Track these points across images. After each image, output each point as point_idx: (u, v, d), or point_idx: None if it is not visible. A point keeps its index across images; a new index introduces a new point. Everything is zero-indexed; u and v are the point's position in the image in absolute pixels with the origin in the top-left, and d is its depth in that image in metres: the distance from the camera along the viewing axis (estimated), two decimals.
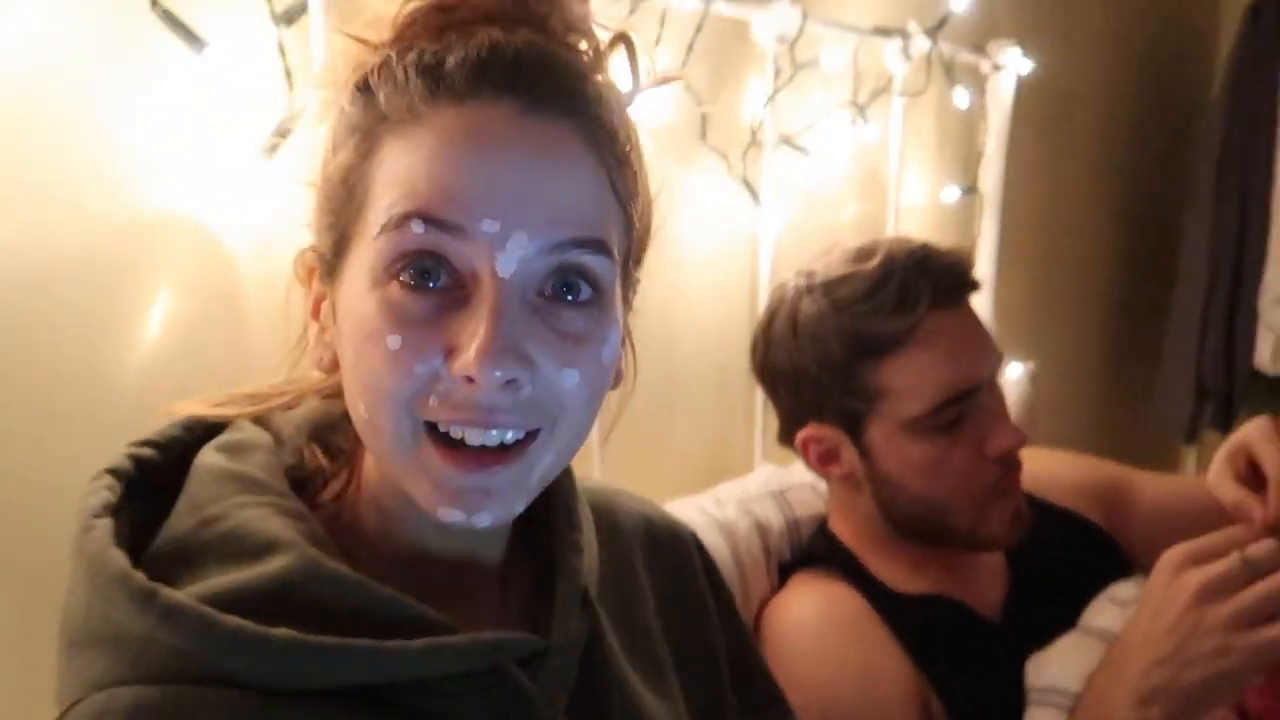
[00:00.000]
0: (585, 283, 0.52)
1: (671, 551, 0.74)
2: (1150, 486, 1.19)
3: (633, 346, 0.62)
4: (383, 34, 0.53)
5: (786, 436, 1.09)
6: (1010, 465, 1.01)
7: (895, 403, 0.98)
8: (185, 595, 0.49)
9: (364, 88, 0.52)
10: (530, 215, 0.49)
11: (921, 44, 1.47)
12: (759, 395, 1.34)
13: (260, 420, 0.61)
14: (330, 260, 0.54)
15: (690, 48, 1.18)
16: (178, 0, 0.82)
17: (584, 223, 0.51)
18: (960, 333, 0.99)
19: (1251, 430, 0.88)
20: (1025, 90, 1.77)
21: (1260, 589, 0.72)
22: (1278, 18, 2.09)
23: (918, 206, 1.69)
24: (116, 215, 0.84)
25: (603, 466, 1.15)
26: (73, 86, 0.80)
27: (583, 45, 0.55)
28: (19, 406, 0.81)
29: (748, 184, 1.29)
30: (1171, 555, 0.79)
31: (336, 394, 0.61)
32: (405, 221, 0.49)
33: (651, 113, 1.17)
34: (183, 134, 0.86)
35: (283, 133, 0.86)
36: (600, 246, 0.52)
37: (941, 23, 1.52)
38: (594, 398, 0.54)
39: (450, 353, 0.49)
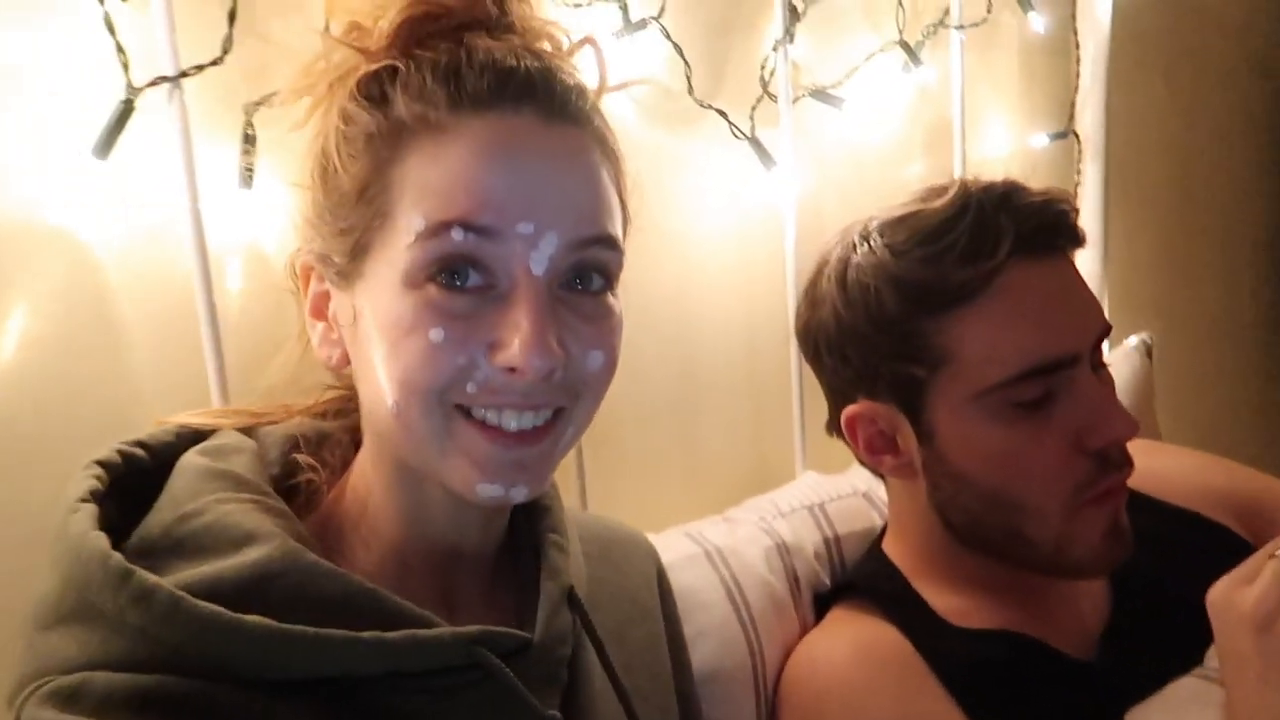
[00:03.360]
0: (598, 275, 0.57)
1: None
2: None
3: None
4: (366, 41, 0.56)
5: (833, 420, 0.90)
6: (1111, 463, 0.79)
7: (964, 369, 0.79)
8: (162, 580, 0.50)
9: (372, 95, 0.55)
10: (559, 217, 0.54)
11: None
12: (796, 389, 1.15)
13: (245, 430, 0.64)
14: (345, 265, 0.57)
15: None
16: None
17: (601, 221, 0.57)
18: (1053, 289, 0.79)
19: None
20: (1142, 16, 1.50)
21: None
22: None
23: (1001, 158, 1.45)
24: None
25: (596, 478, 1.00)
26: None
27: (547, 46, 0.59)
28: None
29: (757, 144, 1.09)
30: (1215, 590, 0.71)
31: (323, 414, 0.68)
32: (444, 229, 0.53)
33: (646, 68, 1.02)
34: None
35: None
36: (614, 243, 0.58)
37: None
38: (612, 373, 0.59)
39: (492, 346, 0.54)
